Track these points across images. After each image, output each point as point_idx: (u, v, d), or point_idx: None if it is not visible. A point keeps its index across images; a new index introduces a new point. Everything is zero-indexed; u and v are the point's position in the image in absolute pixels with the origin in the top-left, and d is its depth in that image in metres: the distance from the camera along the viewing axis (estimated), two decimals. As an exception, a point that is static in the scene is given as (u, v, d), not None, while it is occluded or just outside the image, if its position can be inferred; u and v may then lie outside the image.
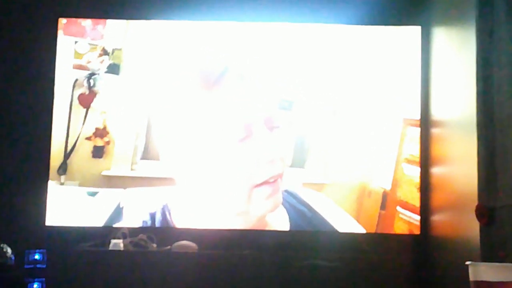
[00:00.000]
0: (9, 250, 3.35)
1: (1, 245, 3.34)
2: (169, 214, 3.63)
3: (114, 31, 3.85)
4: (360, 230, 3.75)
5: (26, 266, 3.43)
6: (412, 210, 3.76)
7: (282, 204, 3.57)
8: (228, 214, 3.50)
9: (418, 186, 3.76)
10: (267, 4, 3.88)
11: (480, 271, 2.28)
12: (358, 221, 3.76)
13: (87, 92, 3.82)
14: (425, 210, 3.71)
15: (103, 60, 3.83)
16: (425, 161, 3.74)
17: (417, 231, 3.73)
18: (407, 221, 3.76)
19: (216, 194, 3.43)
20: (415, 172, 3.77)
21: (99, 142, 3.79)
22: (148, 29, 3.85)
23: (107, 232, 3.65)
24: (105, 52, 3.84)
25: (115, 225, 3.69)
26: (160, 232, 3.65)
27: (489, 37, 2.74)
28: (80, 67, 3.83)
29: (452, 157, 3.39)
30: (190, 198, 3.56)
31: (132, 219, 3.70)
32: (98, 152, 3.79)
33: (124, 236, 3.60)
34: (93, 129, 3.80)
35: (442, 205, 3.56)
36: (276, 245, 3.64)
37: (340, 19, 3.85)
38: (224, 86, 3.32)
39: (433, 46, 3.75)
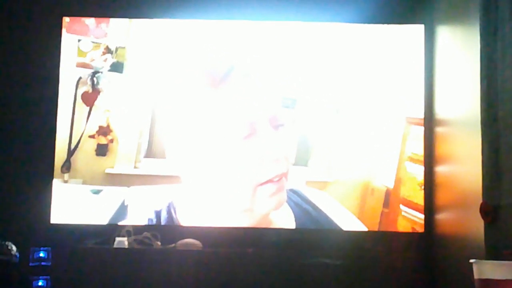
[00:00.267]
0: (14, 248, 3.36)
1: (6, 243, 3.34)
2: (175, 212, 3.64)
3: (117, 30, 3.85)
4: (363, 228, 3.76)
5: (31, 264, 3.45)
6: (415, 208, 3.76)
7: (287, 202, 3.58)
8: (233, 212, 3.52)
9: (421, 184, 3.76)
10: (271, 3, 3.88)
11: (484, 269, 2.27)
12: (361, 219, 3.76)
13: (90, 90, 3.82)
14: (429, 208, 3.72)
15: (106, 59, 3.83)
16: (429, 160, 3.74)
17: (420, 229, 3.73)
18: (410, 219, 3.77)
19: (221, 192, 3.44)
20: (418, 171, 3.77)
21: (103, 140, 3.80)
22: (152, 27, 3.85)
23: (112, 230, 3.65)
24: (108, 51, 3.84)
25: (119, 223, 3.70)
26: (164, 230, 3.65)
27: (493, 36, 2.72)
28: (83, 66, 3.83)
29: (456, 155, 3.39)
30: (195, 196, 3.57)
31: (136, 217, 3.71)
32: (101, 150, 3.79)
33: (128, 234, 3.60)
34: (96, 127, 3.80)
35: (446, 203, 3.56)
36: (280, 243, 3.65)
37: (343, 17, 3.85)
38: (230, 84, 3.32)
39: (437, 45, 3.75)
